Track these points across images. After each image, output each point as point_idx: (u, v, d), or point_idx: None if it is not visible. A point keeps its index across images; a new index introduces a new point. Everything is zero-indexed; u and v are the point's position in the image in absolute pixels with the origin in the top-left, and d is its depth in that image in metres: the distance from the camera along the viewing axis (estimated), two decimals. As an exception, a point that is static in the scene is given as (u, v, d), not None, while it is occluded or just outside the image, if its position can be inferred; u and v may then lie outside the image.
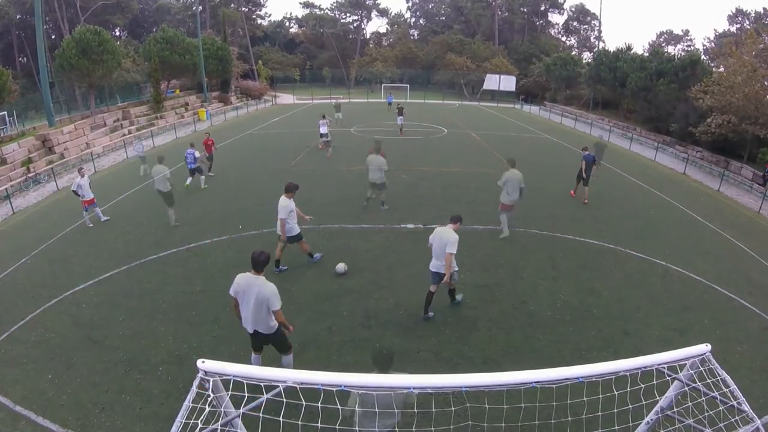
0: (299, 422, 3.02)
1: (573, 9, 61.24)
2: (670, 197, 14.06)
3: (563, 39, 63.13)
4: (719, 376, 2.77)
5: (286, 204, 7.81)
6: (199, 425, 2.47)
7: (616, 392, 2.90)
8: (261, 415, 2.61)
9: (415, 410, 3.42)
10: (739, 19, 49.53)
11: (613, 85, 30.60)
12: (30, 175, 16.00)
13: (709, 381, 2.80)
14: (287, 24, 67.01)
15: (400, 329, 6.76)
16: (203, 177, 13.96)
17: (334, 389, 2.62)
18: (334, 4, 62.44)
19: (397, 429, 3.62)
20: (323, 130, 18.48)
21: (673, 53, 32.46)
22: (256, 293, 4.73)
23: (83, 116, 24.29)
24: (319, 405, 2.97)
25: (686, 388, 2.95)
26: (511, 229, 10.48)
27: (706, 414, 2.95)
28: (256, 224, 10.69)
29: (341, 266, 8.39)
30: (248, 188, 13.69)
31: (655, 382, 2.86)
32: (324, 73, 56.53)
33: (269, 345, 5.21)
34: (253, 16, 59.85)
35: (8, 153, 16.31)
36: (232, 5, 54.79)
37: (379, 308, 7.32)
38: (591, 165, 12.44)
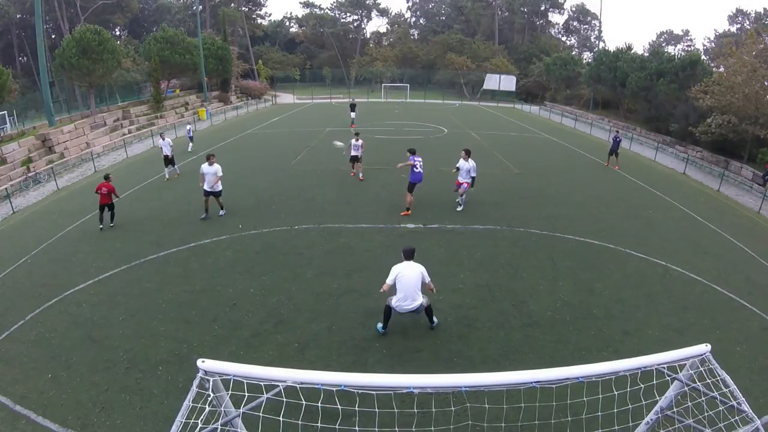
0: (299, 422, 3.02)
1: (573, 9, 61.38)
2: (670, 197, 14.05)
3: (563, 39, 63.13)
4: (719, 376, 2.77)
5: None
6: (199, 425, 2.47)
7: (615, 392, 2.90)
8: (261, 414, 2.62)
9: (415, 410, 3.42)
10: (740, 19, 49.61)
11: (613, 85, 30.55)
12: (30, 174, 15.99)
13: (708, 381, 2.80)
14: (287, 24, 67.10)
15: (400, 329, 6.76)
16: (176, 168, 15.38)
17: (334, 389, 2.63)
18: (335, 4, 62.48)
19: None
20: (357, 151, 14.54)
21: (673, 53, 32.31)
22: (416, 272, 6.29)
23: (83, 116, 24.29)
24: (319, 404, 2.98)
25: (686, 388, 2.95)
26: (512, 229, 10.54)
27: (705, 414, 2.95)
28: (256, 224, 10.69)
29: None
30: (248, 188, 13.67)
31: (654, 382, 2.86)
32: (324, 72, 56.49)
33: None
34: (253, 16, 59.82)
35: (8, 152, 16.30)
36: (233, 5, 54.76)
37: (379, 308, 7.30)
38: (618, 143, 17.71)
